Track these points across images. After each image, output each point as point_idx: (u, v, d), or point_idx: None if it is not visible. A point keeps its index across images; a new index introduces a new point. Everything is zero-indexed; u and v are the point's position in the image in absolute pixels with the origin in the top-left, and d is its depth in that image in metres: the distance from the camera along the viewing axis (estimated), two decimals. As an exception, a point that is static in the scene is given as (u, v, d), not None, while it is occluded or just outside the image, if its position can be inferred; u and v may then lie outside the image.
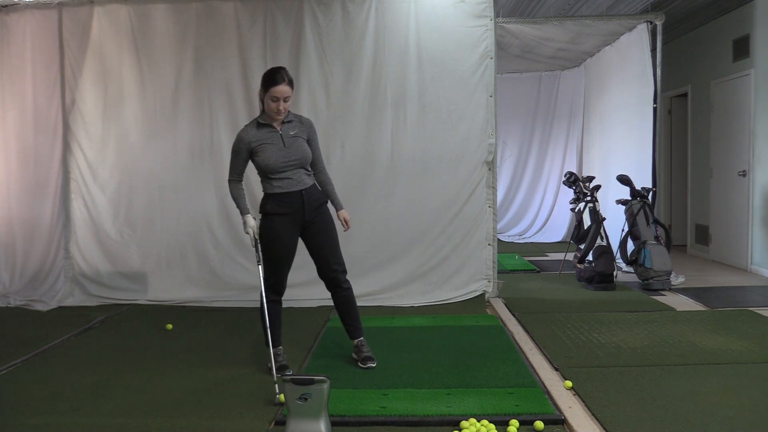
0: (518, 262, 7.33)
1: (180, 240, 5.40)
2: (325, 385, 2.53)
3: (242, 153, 3.44)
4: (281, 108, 3.36)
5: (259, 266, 3.44)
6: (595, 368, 3.48)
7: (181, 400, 3.13)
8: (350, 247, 4.74)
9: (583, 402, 3.01)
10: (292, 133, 3.45)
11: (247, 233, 3.45)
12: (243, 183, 3.56)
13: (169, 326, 4.57)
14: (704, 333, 4.16)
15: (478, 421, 2.74)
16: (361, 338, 3.67)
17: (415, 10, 5.17)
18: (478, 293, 5.23)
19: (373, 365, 3.55)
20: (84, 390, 3.30)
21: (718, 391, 3.11)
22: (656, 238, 5.81)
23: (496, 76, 5.23)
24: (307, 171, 3.52)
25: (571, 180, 6.38)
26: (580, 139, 9.16)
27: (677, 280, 5.86)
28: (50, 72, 5.41)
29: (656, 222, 5.94)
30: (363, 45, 5.19)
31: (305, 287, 4.96)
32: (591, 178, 6.44)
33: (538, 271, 6.77)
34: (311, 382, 2.52)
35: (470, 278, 5.25)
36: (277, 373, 3.43)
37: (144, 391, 3.28)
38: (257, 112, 5.19)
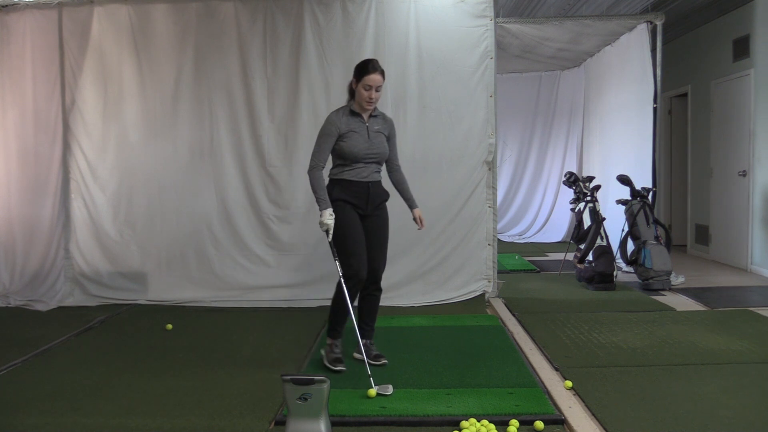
0: (518, 262, 7.33)
1: (180, 240, 5.39)
2: (325, 385, 2.53)
3: (333, 135, 3.43)
4: (373, 96, 3.43)
5: (336, 261, 3.44)
6: (595, 368, 3.48)
7: (181, 400, 3.13)
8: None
9: (583, 402, 3.01)
10: (376, 128, 3.54)
11: (325, 230, 3.38)
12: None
13: (169, 326, 4.56)
14: (704, 333, 4.16)
15: (478, 421, 2.74)
16: (371, 339, 3.72)
17: (415, 10, 5.17)
18: (478, 293, 5.23)
19: (386, 361, 3.58)
20: (84, 390, 3.30)
21: (718, 391, 3.11)
22: (656, 238, 5.81)
23: (496, 76, 5.23)
24: (379, 168, 3.60)
25: (571, 180, 6.38)
26: (580, 139, 9.16)
27: (677, 280, 5.86)
28: (50, 72, 5.40)
29: (656, 222, 5.94)
30: (363, 45, 5.18)
31: (305, 287, 4.96)
32: (591, 178, 6.43)
33: (538, 271, 6.77)
34: (311, 382, 2.52)
35: (470, 278, 5.25)
36: (331, 365, 3.49)
37: (144, 391, 3.28)
38: (257, 112, 5.27)
